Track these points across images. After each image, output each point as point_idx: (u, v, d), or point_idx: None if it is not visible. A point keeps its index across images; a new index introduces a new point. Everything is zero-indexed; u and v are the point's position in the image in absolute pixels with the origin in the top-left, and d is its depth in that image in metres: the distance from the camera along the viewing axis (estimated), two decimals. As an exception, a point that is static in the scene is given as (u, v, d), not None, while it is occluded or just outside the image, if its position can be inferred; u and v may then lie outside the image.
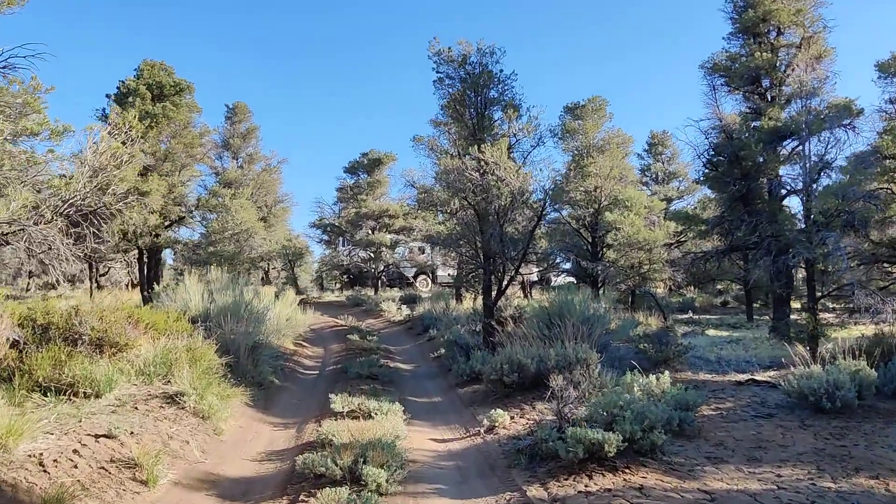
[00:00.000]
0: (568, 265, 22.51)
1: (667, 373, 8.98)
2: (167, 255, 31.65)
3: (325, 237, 40.09)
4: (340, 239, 38.63)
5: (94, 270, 27.26)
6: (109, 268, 33.77)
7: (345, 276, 39.36)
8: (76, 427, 6.93)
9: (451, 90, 14.49)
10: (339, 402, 9.28)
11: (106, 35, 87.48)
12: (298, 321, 17.89)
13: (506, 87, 14.24)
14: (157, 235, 21.73)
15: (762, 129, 14.56)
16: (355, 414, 9.22)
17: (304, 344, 18.64)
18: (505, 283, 14.21)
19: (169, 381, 9.33)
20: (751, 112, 15.66)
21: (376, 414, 8.91)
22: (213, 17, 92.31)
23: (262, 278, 53.66)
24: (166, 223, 23.22)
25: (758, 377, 11.78)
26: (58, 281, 43.17)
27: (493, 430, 8.52)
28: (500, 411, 8.69)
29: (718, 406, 9.80)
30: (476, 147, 13.22)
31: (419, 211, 27.24)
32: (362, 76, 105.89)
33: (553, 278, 32.52)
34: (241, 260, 22.53)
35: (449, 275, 35.98)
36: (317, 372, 14.35)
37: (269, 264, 51.60)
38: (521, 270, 14.68)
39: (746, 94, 16.04)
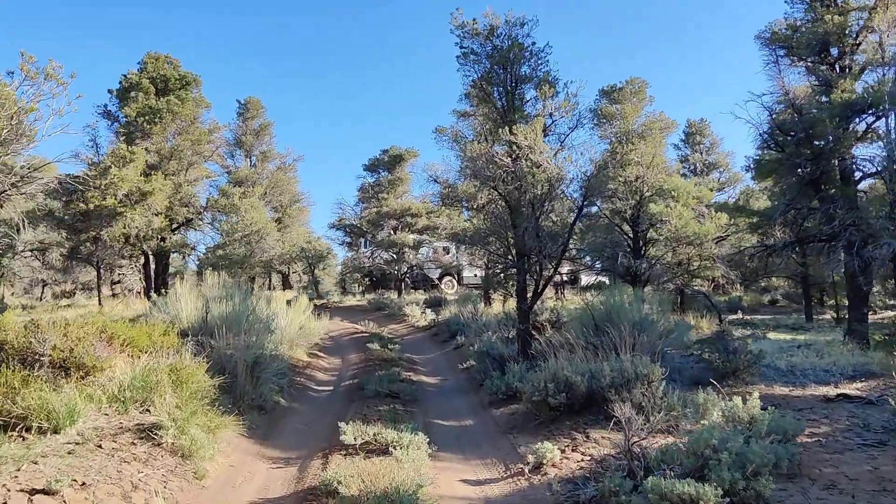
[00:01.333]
0: (598, 264, 20.77)
1: (756, 393, 7.25)
2: (191, 261, 30.47)
3: (347, 239, 38.64)
4: (362, 240, 37.18)
5: (102, 277, 26.08)
6: (121, 274, 32.74)
7: (366, 279, 37.94)
8: (9, 478, 5.45)
9: (476, 67, 12.86)
10: (350, 432, 7.71)
11: (118, 37, 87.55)
12: (312, 330, 16.39)
13: (539, 62, 12.59)
14: (163, 239, 20.40)
15: (834, 103, 12.71)
16: (371, 446, 7.66)
17: (320, 354, 17.14)
18: (542, 284, 12.54)
19: (148, 409, 7.86)
20: (819, 85, 13.79)
21: (395, 448, 7.32)
22: (227, 20, 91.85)
23: (283, 282, 52.66)
24: (174, 226, 21.90)
25: (847, 391, 9.97)
26: (74, 290, 42.47)
27: (539, 469, 6.87)
28: (547, 444, 7.04)
29: (813, 431, 8.01)
30: (507, 129, 11.56)
31: (443, 208, 25.60)
32: (387, 77, 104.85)
33: (582, 278, 30.77)
34: (251, 263, 21.14)
35: (475, 276, 34.48)
36: (331, 388, 12.81)
37: (289, 267, 50.53)
38: (559, 269, 12.99)
39: (812, 66, 14.16)
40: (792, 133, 12.96)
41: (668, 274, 18.07)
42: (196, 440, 7.11)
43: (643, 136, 18.86)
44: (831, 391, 9.96)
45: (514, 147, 11.75)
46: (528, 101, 12.92)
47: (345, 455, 7.53)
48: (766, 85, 13.84)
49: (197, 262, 23.54)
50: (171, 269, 35.20)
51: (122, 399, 7.84)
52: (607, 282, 32.16)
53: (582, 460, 6.93)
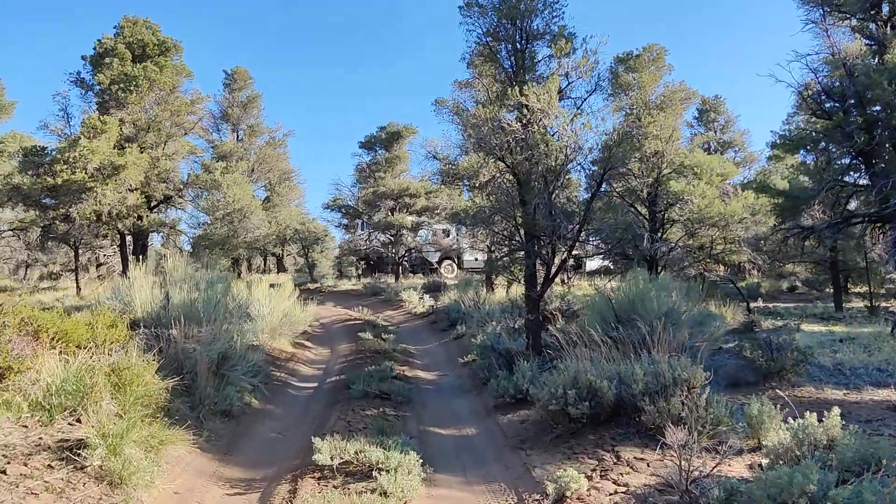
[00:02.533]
0: (611, 247, 19.23)
1: (836, 410, 5.82)
2: (184, 242, 29.08)
3: (345, 221, 37.07)
4: (358, 222, 35.64)
5: (80, 259, 24.63)
6: (106, 256, 31.26)
7: (362, 263, 36.48)
8: None
9: (481, 21, 11.31)
10: (326, 450, 6.30)
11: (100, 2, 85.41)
12: (298, 318, 14.96)
13: (554, 14, 11.05)
14: (139, 217, 18.90)
15: (889, 65, 11.18)
16: (351, 467, 6.26)
17: (307, 344, 15.74)
18: (554, 269, 11.09)
19: (79, 419, 6.44)
20: (868, 46, 12.23)
21: (381, 471, 5.91)
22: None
23: (278, 265, 51.19)
24: (152, 204, 20.37)
25: (916, 395, 8.58)
26: (60, 272, 41.08)
27: (562, 504, 5.45)
28: (571, 471, 5.60)
29: (891, 449, 6.62)
30: (517, 90, 10.05)
31: (443, 187, 24.08)
32: (389, 55, 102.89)
33: (587, 262, 29.33)
34: (234, 244, 19.65)
35: (476, 259, 33.10)
36: (315, 384, 11.41)
37: (283, 250, 49.01)
38: (572, 253, 11.51)
39: (860, 25, 12.60)
40: (841, 99, 11.46)
41: (688, 258, 16.62)
42: (130, 462, 5.70)
43: (662, 107, 17.31)
44: (894, 395, 8.58)
45: (525, 111, 10.25)
46: (540, 61, 11.38)
47: (319, 478, 6.13)
48: (810, 45, 12.27)
49: (183, 243, 22.07)
50: (165, 250, 33.84)
51: (48, 407, 6.42)
52: (611, 266, 30.80)
53: (616, 492, 5.51)
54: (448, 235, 33.61)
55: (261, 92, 29.06)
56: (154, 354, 7.68)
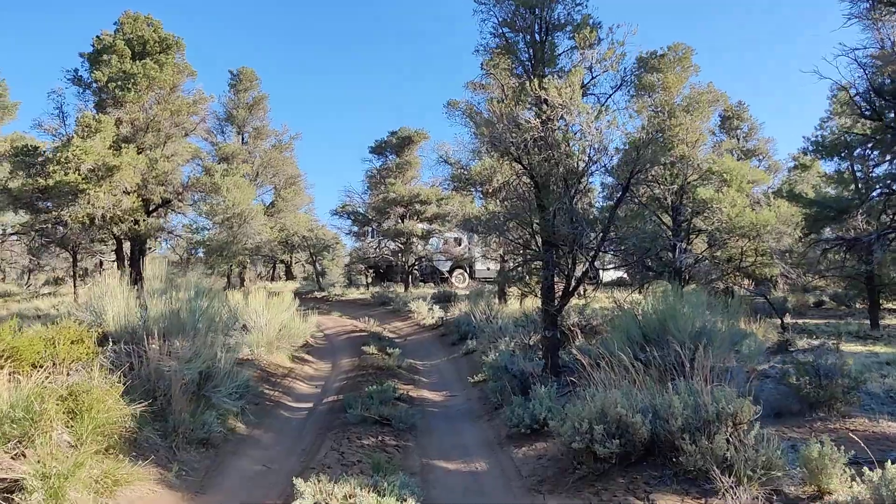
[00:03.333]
0: (621, 256, 18.13)
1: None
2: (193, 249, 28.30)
3: (355, 228, 36.22)
4: (368, 229, 34.78)
5: (78, 264, 23.89)
6: (108, 261, 30.57)
7: (370, 271, 35.59)
8: None
9: (497, 10, 10.40)
10: (310, 495, 5.36)
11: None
12: (297, 330, 14.04)
13: (577, 2, 10.12)
14: (136, 222, 18.09)
15: (945, 60, 10.17)
16: (339, 515, 5.31)
17: (307, 358, 14.84)
18: (574, 281, 10.14)
19: (25, 453, 5.55)
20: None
21: (373, 523, 4.98)
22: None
23: (286, 273, 50.39)
24: (151, 207, 19.55)
25: None
26: (64, 277, 40.47)
27: (591, 573, 4.48)
28: (602, 530, 4.63)
29: None
30: (536, 83, 9.12)
31: (454, 193, 23.17)
32: (401, 62, 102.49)
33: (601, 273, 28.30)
34: (234, 251, 18.79)
35: (488, 269, 32.22)
36: (310, 405, 10.48)
37: (291, 257, 48.16)
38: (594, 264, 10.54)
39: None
40: (893, 97, 10.44)
41: (715, 271, 15.58)
42: (75, 509, 4.80)
43: (688, 109, 16.32)
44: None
45: (545, 107, 9.33)
46: (561, 54, 10.48)
47: (300, 529, 5.18)
48: (860, 38, 11.22)
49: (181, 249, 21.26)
50: (176, 257, 33.07)
51: (-9, 437, 5.54)
52: (626, 278, 29.67)
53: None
54: (459, 244, 32.80)
55: (267, 93, 28.31)
56: (122, 374, 6.79)
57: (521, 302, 19.81)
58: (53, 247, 21.70)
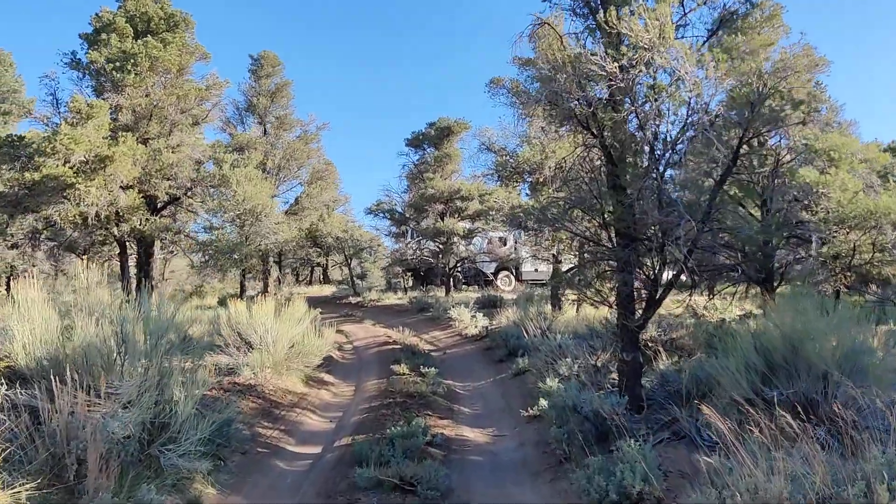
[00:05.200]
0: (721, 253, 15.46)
1: None
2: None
3: (394, 228, 34.01)
4: (407, 230, 32.50)
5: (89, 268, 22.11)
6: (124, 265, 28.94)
7: (408, 274, 33.33)
8: None
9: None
10: None
11: None
12: (312, 347, 11.75)
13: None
14: (140, 222, 16.08)
15: None
16: None
17: (326, 379, 12.62)
18: (663, 286, 7.65)
19: None
20: None
21: None
22: None
23: (323, 276, 48.50)
24: (158, 204, 17.57)
25: None
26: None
27: None
28: None
29: None
30: (612, 13, 6.65)
31: (499, 185, 20.71)
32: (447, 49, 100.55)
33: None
34: (246, 252, 16.64)
35: (537, 270, 29.75)
36: (318, 450, 8.18)
37: (327, 260, 46.16)
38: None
39: None
40: None
41: (822, 271, 12.81)
42: None
43: (778, 76, 13.54)
44: None
45: (623, 50, 6.83)
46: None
47: None
48: None
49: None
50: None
51: None
52: (685, 279, 26.61)
53: None
54: (505, 244, 30.32)
55: (291, 79, 26.13)
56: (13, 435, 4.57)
57: (577, 308, 17.26)
58: (59, 251, 19.98)
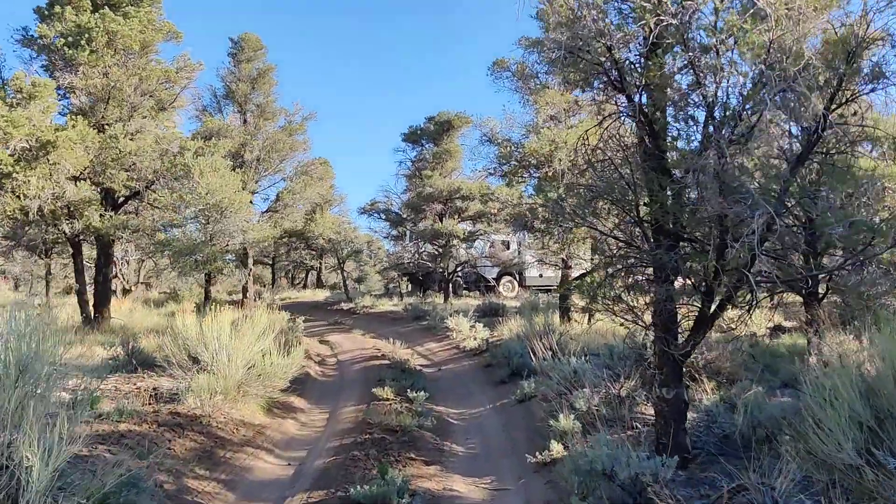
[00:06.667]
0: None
1: None
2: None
3: (393, 232, 32.23)
4: (404, 231, 30.70)
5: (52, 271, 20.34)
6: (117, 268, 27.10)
7: (405, 278, 31.51)
8: None
9: None
10: None
11: None
12: (275, 368, 9.81)
13: None
14: (94, 218, 14.21)
15: None
16: None
17: (296, 404, 10.77)
18: (717, 302, 5.80)
19: None
20: None
21: None
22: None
23: (317, 280, 46.64)
24: (119, 198, 15.67)
25: None
26: (71, 286, 37.48)
27: None
28: None
29: None
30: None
31: (501, 180, 18.79)
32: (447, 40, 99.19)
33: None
34: (208, 254, 14.70)
35: (541, 276, 28.03)
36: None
37: (321, 263, 44.22)
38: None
39: None
40: None
41: (884, 281, 10.92)
42: None
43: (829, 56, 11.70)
44: None
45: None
46: None
47: None
48: None
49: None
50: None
51: None
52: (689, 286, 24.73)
53: None
54: (507, 247, 28.59)
55: (274, 64, 24.08)
56: None
57: (589, 320, 15.33)
58: (21, 250, 18.11)
